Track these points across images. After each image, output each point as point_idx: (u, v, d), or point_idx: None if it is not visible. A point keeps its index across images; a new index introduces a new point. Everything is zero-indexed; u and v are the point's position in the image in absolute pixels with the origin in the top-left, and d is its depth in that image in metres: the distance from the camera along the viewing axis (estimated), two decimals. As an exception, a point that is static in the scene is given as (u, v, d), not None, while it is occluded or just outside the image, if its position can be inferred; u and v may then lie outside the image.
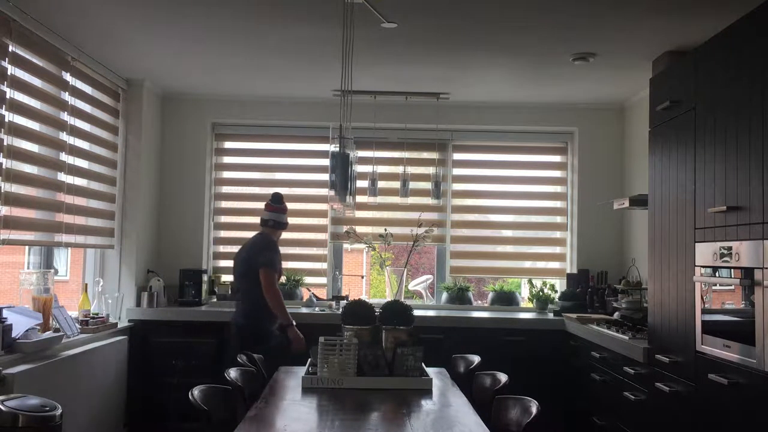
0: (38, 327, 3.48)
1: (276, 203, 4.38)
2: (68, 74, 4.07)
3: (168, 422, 4.54)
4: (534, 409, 2.43)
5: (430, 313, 4.93)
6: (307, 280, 5.31)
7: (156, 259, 5.11)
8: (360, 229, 5.08)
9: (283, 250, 5.43)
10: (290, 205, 5.43)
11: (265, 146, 5.49)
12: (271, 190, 5.51)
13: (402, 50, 4.01)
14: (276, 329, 4.10)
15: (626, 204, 4.25)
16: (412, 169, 5.20)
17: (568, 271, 5.24)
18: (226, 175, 5.47)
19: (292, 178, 5.46)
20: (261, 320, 4.05)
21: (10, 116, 3.45)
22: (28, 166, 3.67)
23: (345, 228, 5.07)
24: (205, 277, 5.05)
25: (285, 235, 5.41)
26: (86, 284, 4.45)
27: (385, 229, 5.00)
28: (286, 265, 5.36)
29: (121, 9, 3.49)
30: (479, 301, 5.41)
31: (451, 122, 5.25)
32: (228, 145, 5.48)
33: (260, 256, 4.08)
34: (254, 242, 4.24)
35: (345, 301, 4.38)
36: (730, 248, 2.66)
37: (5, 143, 3.41)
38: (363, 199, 4.83)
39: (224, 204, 5.47)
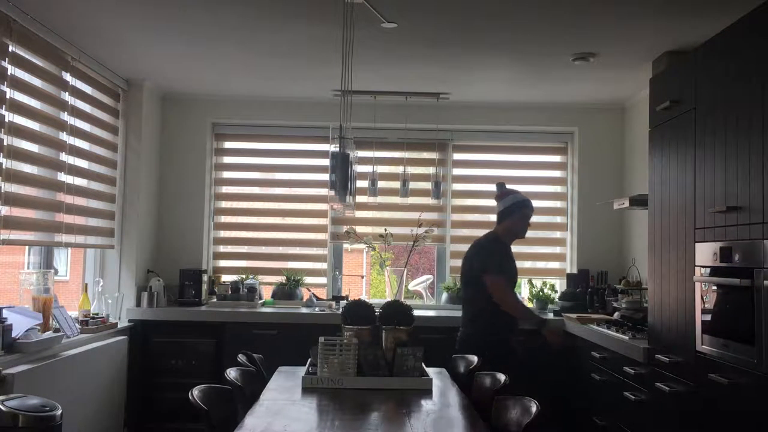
0: (38, 327, 3.48)
1: (500, 189, 3.95)
2: (68, 74, 4.07)
3: (168, 422, 4.53)
4: (534, 409, 2.42)
5: (430, 313, 4.92)
6: (307, 280, 5.31)
7: (156, 259, 5.11)
8: (360, 229, 5.08)
9: (283, 250, 5.48)
10: (290, 205, 5.47)
11: (265, 146, 5.49)
12: (271, 191, 5.55)
13: (402, 50, 4.01)
14: (510, 339, 3.76)
15: (626, 204, 4.25)
16: (412, 169, 5.20)
17: (568, 271, 5.24)
18: (226, 175, 5.47)
19: (292, 178, 5.46)
20: (484, 331, 3.75)
21: (10, 116, 3.45)
22: (28, 166, 3.67)
23: (345, 228, 5.08)
24: (205, 277, 5.05)
25: (285, 235, 5.45)
26: (86, 284, 4.45)
27: (385, 229, 5.00)
28: (286, 265, 5.38)
29: (121, 9, 3.49)
30: (479, 301, 5.40)
31: (451, 122, 5.25)
32: (228, 145, 5.48)
33: (480, 262, 3.80)
34: (475, 244, 3.99)
35: (345, 301, 4.38)
36: (730, 248, 2.66)
37: (5, 143, 3.41)
38: (363, 199, 4.83)
39: (224, 204, 5.47)
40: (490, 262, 3.76)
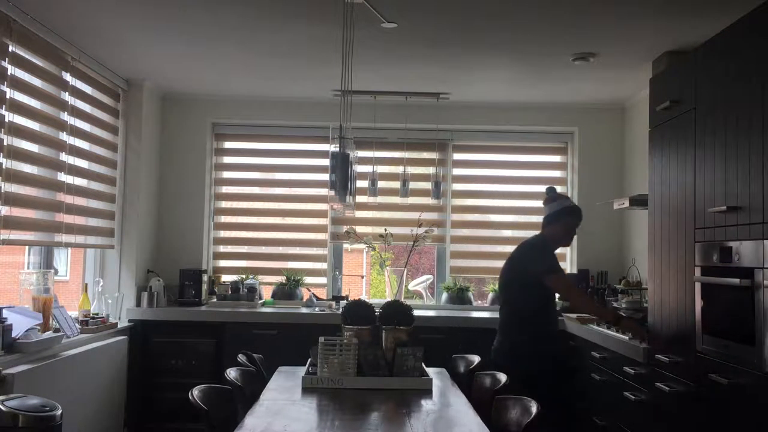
0: (38, 327, 3.48)
1: (549, 193, 3.77)
2: (68, 74, 4.07)
3: (168, 422, 4.53)
4: (534, 409, 2.43)
5: (430, 313, 4.92)
6: (307, 280, 5.31)
7: (156, 259, 5.11)
8: (360, 229, 5.08)
9: (283, 250, 5.48)
10: (290, 205, 5.47)
11: (265, 146, 5.49)
12: (271, 190, 5.55)
13: (402, 50, 4.01)
14: (549, 348, 3.50)
15: (626, 204, 4.25)
16: (412, 169, 5.20)
17: (568, 271, 5.24)
18: (226, 175, 5.47)
19: (292, 178, 5.47)
20: (529, 342, 3.49)
21: (10, 116, 3.45)
22: (28, 166, 3.67)
23: (345, 228, 5.07)
24: (205, 277, 5.05)
25: (285, 235, 5.45)
26: (86, 284, 4.45)
27: (385, 229, 5.00)
28: (286, 265, 5.38)
29: (121, 9, 3.49)
30: (479, 301, 5.41)
31: (451, 122, 5.25)
32: (228, 145, 5.49)
33: (536, 263, 3.52)
34: (525, 244, 3.74)
35: (345, 301, 4.38)
36: (730, 248, 2.66)
37: (5, 143, 3.41)
38: (363, 199, 4.83)
39: (224, 204, 5.47)
40: (549, 262, 3.52)
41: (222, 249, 5.42)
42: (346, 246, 5.36)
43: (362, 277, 8.47)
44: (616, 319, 3.59)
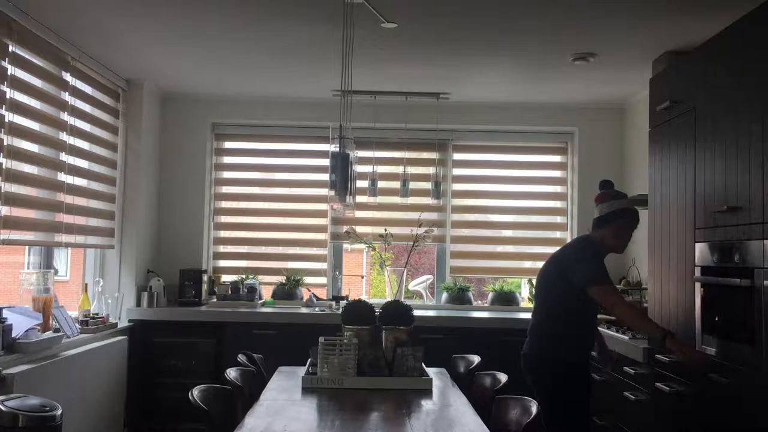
0: (38, 327, 3.48)
1: (603, 188, 3.32)
2: (68, 74, 4.07)
3: (168, 422, 4.54)
4: (534, 409, 2.43)
5: (430, 313, 4.92)
6: (307, 280, 5.31)
7: (156, 259, 5.11)
8: (360, 229, 5.08)
9: (283, 250, 5.48)
10: (290, 205, 5.47)
11: (265, 146, 5.49)
12: (271, 190, 5.55)
13: (402, 50, 4.01)
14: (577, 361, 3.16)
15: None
16: (412, 169, 5.20)
17: (568, 271, 5.23)
18: (226, 175, 5.47)
19: (292, 178, 5.46)
20: (562, 349, 3.14)
21: (10, 116, 3.45)
22: (28, 166, 3.67)
23: (345, 228, 5.08)
24: (205, 277, 5.05)
25: (285, 235, 5.45)
26: (86, 284, 4.45)
27: (385, 229, 5.00)
28: (286, 265, 5.38)
29: (121, 9, 3.49)
30: (479, 301, 5.41)
31: (451, 122, 5.25)
32: (228, 145, 5.49)
33: (578, 271, 3.06)
34: (566, 250, 3.34)
35: (345, 301, 4.38)
36: (730, 248, 2.66)
37: (5, 143, 3.41)
38: (363, 199, 4.83)
39: (224, 204, 5.47)
40: (591, 272, 3.03)
41: (222, 249, 5.42)
42: (346, 246, 5.36)
43: (362, 277, 8.48)
44: (663, 336, 2.90)
